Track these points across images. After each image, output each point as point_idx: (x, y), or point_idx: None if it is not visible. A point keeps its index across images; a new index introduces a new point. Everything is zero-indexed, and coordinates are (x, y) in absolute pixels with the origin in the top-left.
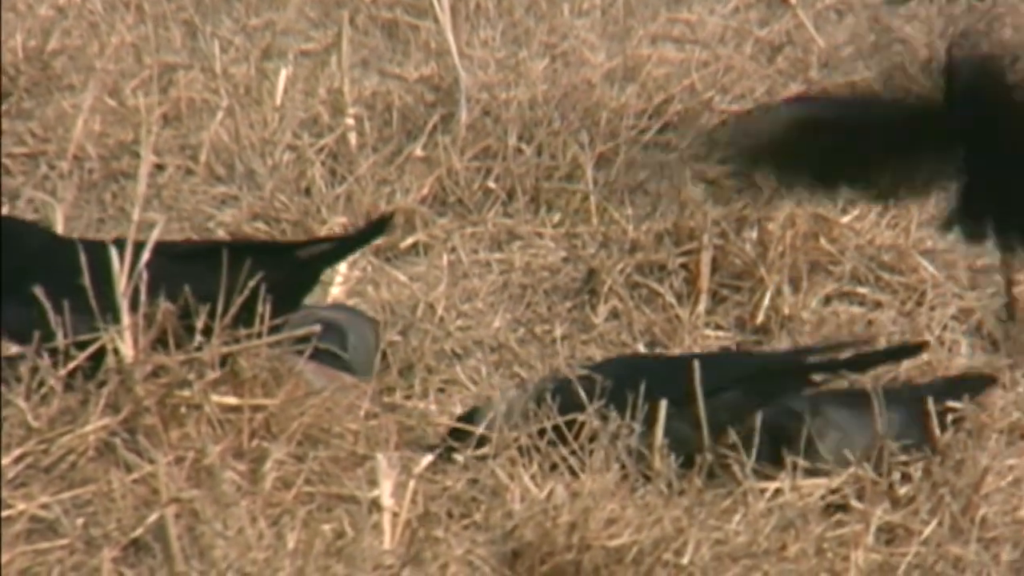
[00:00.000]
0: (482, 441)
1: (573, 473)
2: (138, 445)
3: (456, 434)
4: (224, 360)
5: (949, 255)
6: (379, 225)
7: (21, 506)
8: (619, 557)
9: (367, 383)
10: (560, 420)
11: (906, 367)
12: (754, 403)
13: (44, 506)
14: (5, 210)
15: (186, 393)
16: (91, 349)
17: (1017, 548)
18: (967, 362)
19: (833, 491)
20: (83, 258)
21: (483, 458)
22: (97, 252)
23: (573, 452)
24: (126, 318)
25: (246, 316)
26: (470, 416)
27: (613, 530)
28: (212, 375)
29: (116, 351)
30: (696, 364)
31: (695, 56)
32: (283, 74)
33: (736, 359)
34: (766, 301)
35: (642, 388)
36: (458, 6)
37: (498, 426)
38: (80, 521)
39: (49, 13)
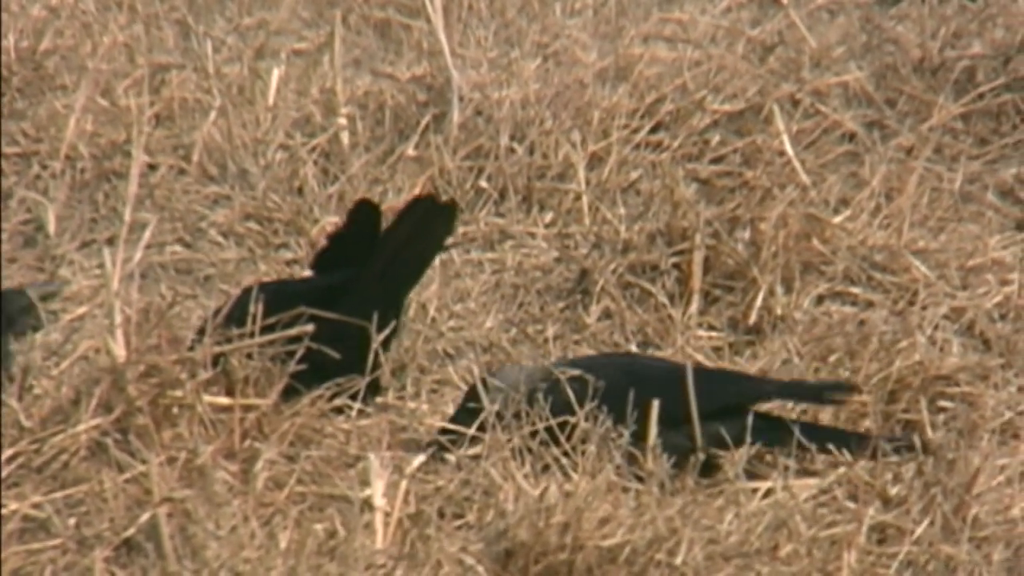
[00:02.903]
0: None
1: (566, 473)
2: (130, 445)
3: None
4: (216, 360)
5: (941, 255)
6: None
7: (13, 505)
8: (612, 557)
9: (359, 383)
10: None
11: (898, 367)
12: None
13: (36, 506)
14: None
15: (178, 393)
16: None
17: (1009, 547)
18: (959, 361)
19: (825, 491)
20: None
21: (476, 458)
22: None
23: (566, 453)
24: (118, 318)
25: None
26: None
27: (606, 530)
28: (204, 375)
29: (108, 351)
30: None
31: (687, 56)
32: (276, 74)
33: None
34: (759, 301)
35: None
36: (450, 6)
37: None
38: (72, 521)
39: (42, 13)
